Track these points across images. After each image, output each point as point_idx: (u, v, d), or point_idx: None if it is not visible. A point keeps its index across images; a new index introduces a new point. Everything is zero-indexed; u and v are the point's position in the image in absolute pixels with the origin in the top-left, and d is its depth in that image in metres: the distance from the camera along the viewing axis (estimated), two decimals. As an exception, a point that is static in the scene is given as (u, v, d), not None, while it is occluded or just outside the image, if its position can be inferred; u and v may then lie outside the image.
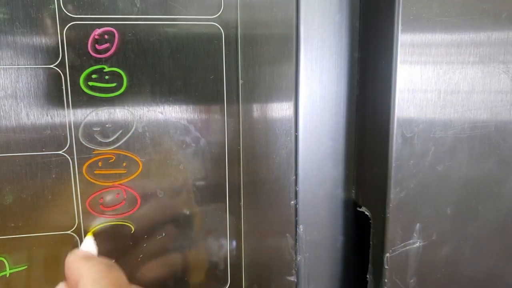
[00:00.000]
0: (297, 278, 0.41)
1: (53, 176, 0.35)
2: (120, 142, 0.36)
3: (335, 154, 0.40)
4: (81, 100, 0.35)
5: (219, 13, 0.35)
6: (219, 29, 0.35)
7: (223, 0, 0.35)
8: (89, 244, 0.36)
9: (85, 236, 0.37)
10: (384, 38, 0.34)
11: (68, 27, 0.33)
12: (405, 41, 0.33)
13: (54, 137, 0.35)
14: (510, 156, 0.36)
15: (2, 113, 0.34)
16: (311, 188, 0.40)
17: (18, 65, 0.33)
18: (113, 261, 0.37)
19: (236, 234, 0.39)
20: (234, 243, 0.39)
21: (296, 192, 0.39)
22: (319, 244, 0.42)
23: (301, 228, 0.40)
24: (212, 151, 0.37)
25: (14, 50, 0.33)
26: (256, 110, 0.37)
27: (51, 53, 0.33)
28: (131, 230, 0.37)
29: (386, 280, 0.37)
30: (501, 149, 0.36)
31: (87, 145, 0.35)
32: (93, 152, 0.36)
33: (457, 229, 0.37)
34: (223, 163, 0.38)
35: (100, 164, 0.36)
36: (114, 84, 0.35)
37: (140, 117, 0.36)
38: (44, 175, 0.35)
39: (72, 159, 0.35)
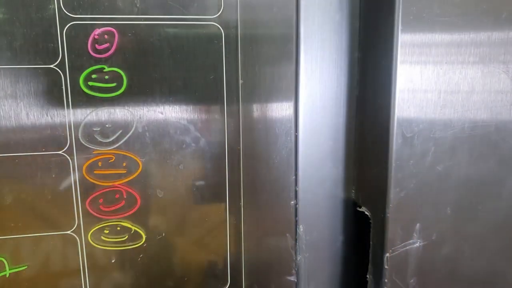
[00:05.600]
0: (297, 278, 0.41)
1: (53, 176, 0.35)
2: (120, 142, 0.36)
3: (335, 154, 0.40)
4: (81, 100, 0.35)
5: (219, 13, 0.35)
6: (219, 29, 0.35)
7: (223, 0, 0.35)
8: None
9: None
10: (384, 38, 0.34)
11: (68, 27, 0.33)
12: (405, 41, 0.33)
13: (54, 137, 0.35)
14: (510, 156, 0.36)
15: (2, 113, 0.34)
16: (311, 188, 0.40)
17: (18, 65, 0.33)
18: (113, 261, 0.37)
19: (236, 234, 0.39)
20: (234, 243, 0.39)
21: (296, 192, 0.39)
22: (319, 244, 0.42)
23: (301, 228, 0.40)
24: (212, 151, 0.37)
25: (13, 50, 0.33)
26: (256, 110, 0.37)
27: (51, 53, 0.33)
28: (131, 230, 0.37)
29: (386, 280, 0.37)
30: (501, 149, 0.36)
31: (87, 145, 0.35)
32: (93, 152, 0.36)
33: (457, 229, 0.37)
34: (223, 163, 0.38)
35: (100, 164, 0.36)
36: (114, 84, 0.35)
37: (140, 117, 0.36)
38: (44, 175, 0.35)
39: (72, 159, 0.35)
